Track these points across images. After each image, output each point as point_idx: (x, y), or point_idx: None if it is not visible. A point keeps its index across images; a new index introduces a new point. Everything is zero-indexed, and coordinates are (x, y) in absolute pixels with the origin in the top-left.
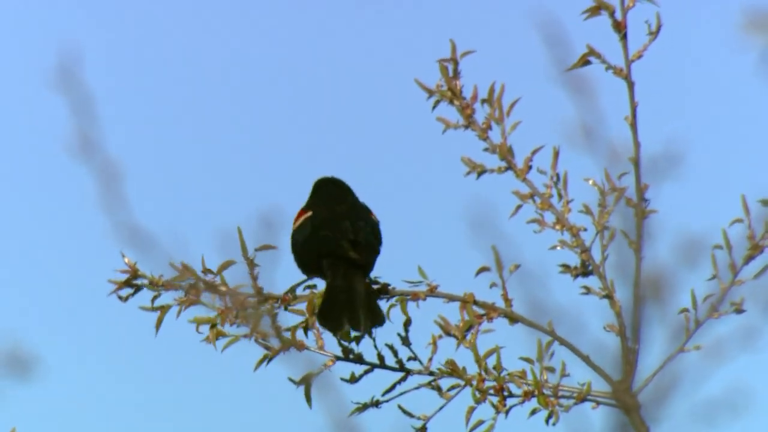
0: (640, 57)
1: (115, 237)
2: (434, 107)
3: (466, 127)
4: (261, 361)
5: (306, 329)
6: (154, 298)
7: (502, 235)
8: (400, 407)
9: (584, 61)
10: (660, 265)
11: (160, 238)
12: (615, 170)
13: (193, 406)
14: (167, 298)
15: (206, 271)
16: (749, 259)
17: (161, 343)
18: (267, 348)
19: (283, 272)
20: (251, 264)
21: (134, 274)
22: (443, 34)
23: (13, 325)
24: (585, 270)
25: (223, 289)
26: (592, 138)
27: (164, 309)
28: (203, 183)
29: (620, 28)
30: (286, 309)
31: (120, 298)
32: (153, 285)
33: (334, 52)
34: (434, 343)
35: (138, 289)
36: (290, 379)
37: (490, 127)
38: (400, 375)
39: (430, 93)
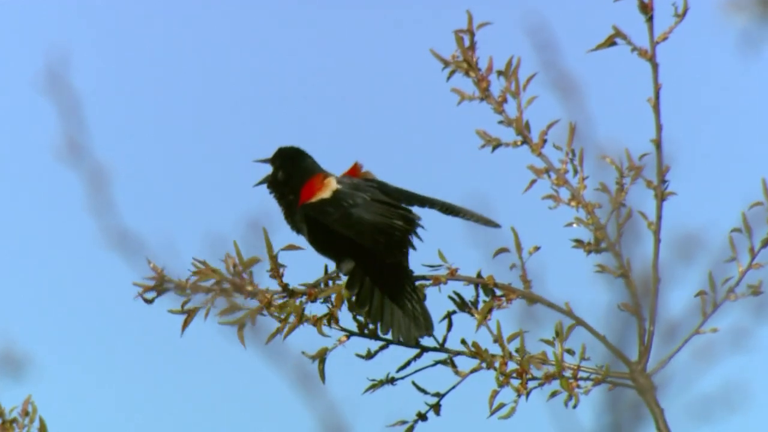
0: (665, 39)
1: (103, 240)
2: (449, 78)
3: (482, 99)
4: (273, 335)
5: (330, 321)
6: (185, 302)
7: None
8: (414, 384)
9: (611, 42)
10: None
11: (148, 241)
12: (605, 172)
13: (188, 406)
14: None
15: (234, 272)
16: (767, 243)
17: (156, 344)
18: (281, 321)
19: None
20: (275, 262)
21: (161, 279)
22: (433, 36)
23: (6, 326)
24: (599, 247)
25: (250, 288)
26: (580, 139)
27: (192, 312)
28: (192, 186)
29: (647, 10)
30: (313, 302)
31: (146, 300)
32: (180, 289)
33: (332, 45)
34: (449, 318)
35: (163, 291)
36: (303, 353)
37: (505, 100)
38: (415, 351)
39: (446, 63)
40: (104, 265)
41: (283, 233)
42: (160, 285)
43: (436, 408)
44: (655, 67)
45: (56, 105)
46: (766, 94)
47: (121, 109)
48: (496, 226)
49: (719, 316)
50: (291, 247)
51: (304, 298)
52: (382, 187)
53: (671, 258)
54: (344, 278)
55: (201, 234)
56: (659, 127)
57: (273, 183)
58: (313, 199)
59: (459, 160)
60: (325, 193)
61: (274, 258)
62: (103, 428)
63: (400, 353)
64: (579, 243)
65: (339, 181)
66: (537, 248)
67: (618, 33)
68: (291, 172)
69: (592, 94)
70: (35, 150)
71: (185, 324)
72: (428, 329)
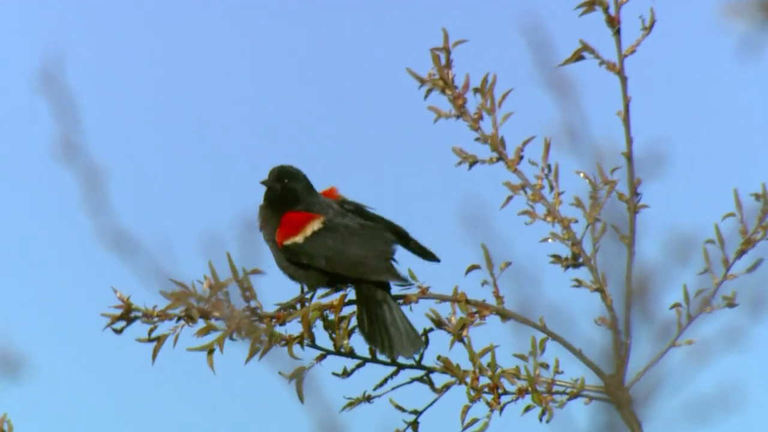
0: (633, 52)
1: (98, 240)
2: (426, 96)
3: (458, 116)
4: (251, 356)
5: (302, 344)
6: (151, 330)
7: (492, 232)
8: (391, 401)
9: (578, 56)
10: (646, 262)
11: (143, 241)
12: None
13: (181, 408)
14: (162, 326)
15: (199, 298)
16: (742, 253)
17: (149, 345)
18: (260, 342)
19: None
20: (243, 287)
21: (128, 308)
22: (425, 35)
23: (3, 326)
24: (576, 261)
25: (217, 314)
26: (575, 139)
27: (161, 339)
28: (187, 186)
29: (614, 23)
30: (282, 325)
31: (115, 331)
32: (147, 317)
33: (320, 47)
34: (425, 336)
35: (132, 320)
36: (281, 374)
37: (481, 117)
38: (392, 369)
39: (422, 82)
40: (100, 265)
41: None
42: (127, 314)
43: (414, 425)
44: (623, 80)
45: (51, 104)
46: (766, 98)
47: (117, 109)
48: (436, 260)
49: (713, 316)
50: (255, 272)
51: (273, 321)
52: (359, 211)
53: (666, 260)
54: (315, 300)
55: (197, 233)
56: (629, 140)
57: (271, 191)
58: (287, 242)
59: (437, 177)
60: (299, 237)
61: (241, 282)
62: (100, 429)
63: (376, 371)
64: (557, 258)
65: (326, 214)
66: (508, 264)
67: (585, 47)
68: (285, 193)
69: (587, 93)
70: (30, 150)
71: (155, 352)
72: (421, 344)
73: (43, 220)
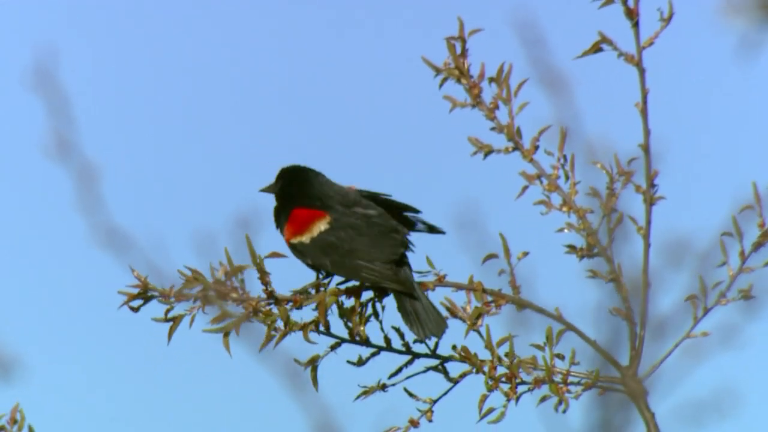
0: (651, 44)
1: (92, 238)
2: (441, 85)
3: (474, 106)
4: (265, 343)
5: (317, 328)
6: (168, 310)
7: (489, 234)
8: (406, 390)
9: (596, 48)
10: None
11: (137, 239)
12: (595, 173)
13: (180, 407)
14: (177, 308)
15: (218, 280)
16: (758, 246)
17: (148, 343)
18: (275, 329)
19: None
20: (262, 271)
21: (145, 287)
22: (420, 32)
23: None
24: (591, 252)
25: (235, 296)
26: (569, 136)
27: (177, 319)
28: (181, 183)
29: (633, 15)
30: (299, 309)
31: (132, 308)
32: (164, 297)
33: (315, 44)
34: None
35: (148, 299)
36: (296, 361)
37: (497, 107)
38: (406, 358)
39: (438, 71)
40: (93, 263)
41: (272, 231)
42: (144, 293)
43: (429, 414)
44: (642, 72)
45: (45, 102)
46: (763, 97)
47: (110, 106)
48: (442, 233)
49: (709, 314)
50: (274, 255)
51: (289, 306)
52: (374, 197)
53: (662, 261)
54: (333, 285)
55: (190, 231)
56: (647, 132)
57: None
58: (294, 240)
59: (452, 167)
60: (305, 237)
61: (259, 266)
62: (92, 429)
63: (391, 360)
64: (572, 248)
65: (335, 211)
66: (526, 254)
67: (604, 39)
68: (289, 193)
69: (582, 91)
70: (24, 147)
71: (170, 332)
72: (446, 325)
73: (37, 217)
